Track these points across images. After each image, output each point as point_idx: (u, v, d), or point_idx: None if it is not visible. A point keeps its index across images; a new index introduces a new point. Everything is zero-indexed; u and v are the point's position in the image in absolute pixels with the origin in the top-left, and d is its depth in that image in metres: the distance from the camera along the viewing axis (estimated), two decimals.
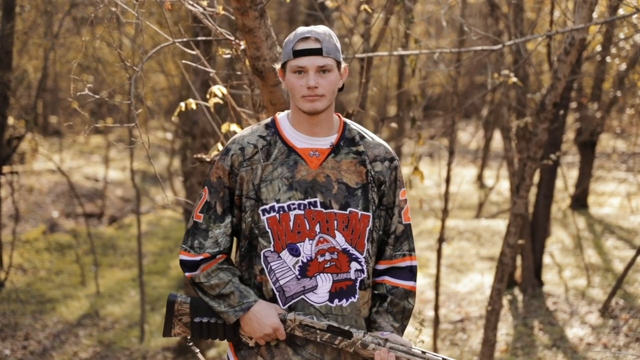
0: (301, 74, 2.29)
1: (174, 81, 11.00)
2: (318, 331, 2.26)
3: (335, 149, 2.37)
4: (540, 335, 7.14)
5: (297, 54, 2.29)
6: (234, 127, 3.68)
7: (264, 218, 2.30)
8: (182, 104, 3.50)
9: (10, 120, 9.58)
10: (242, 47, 3.38)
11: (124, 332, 8.21)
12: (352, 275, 2.34)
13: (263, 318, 2.27)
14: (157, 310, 8.95)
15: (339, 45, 2.35)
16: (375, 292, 2.43)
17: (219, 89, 3.50)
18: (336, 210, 2.31)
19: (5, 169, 9.49)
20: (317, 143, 2.36)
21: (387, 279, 2.42)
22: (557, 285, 8.59)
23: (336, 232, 2.31)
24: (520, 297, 8.29)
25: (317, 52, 2.28)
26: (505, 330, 7.36)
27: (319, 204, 2.30)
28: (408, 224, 2.46)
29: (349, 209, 2.32)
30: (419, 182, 5.66)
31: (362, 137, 2.43)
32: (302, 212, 2.29)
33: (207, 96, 3.54)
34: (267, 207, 2.30)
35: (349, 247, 2.33)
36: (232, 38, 3.41)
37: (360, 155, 2.39)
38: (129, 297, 9.42)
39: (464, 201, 14.69)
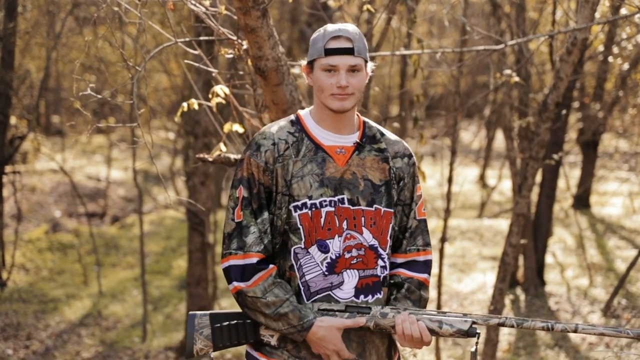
0: (331, 72, 2.30)
1: (177, 81, 11.00)
2: (337, 313, 2.26)
3: (359, 147, 2.38)
4: (543, 334, 7.14)
5: (329, 52, 2.29)
6: (236, 126, 3.68)
7: (295, 215, 2.29)
8: (185, 105, 3.50)
9: (13, 120, 9.59)
10: (245, 46, 3.38)
11: (127, 331, 8.22)
12: (379, 272, 2.35)
13: (324, 340, 2.25)
14: (159, 309, 8.96)
15: (366, 44, 2.37)
16: (392, 281, 2.43)
17: (221, 89, 3.50)
18: (364, 207, 2.32)
19: (8, 168, 9.50)
20: (342, 141, 2.37)
21: (402, 270, 2.43)
22: (560, 284, 8.58)
23: (363, 228, 2.32)
24: (522, 296, 8.29)
25: (349, 51, 2.29)
26: (507, 330, 7.36)
27: (346, 201, 2.31)
28: (423, 219, 2.48)
29: (374, 206, 2.34)
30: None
31: (382, 135, 2.46)
32: (333, 208, 2.29)
33: (210, 96, 3.54)
34: (299, 203, 2.29)
35: (376, 244, 2.34)
36: (235, 38, 3.42)
37: (383, 152, 2.41)
38: (131, 297, 9.43)
39: (466, 201, 14.69)
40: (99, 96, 3.28)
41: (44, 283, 9.62)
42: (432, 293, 8.75)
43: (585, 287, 8.40)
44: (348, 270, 2.31)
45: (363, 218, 2.32)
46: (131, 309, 8.96)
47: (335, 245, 2.30)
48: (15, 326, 8.01)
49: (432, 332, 2.29)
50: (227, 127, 3.67)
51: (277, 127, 2.36)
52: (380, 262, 2.36)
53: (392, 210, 2.38)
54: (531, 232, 8.29)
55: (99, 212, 13.80)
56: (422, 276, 2.44)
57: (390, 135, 2.49)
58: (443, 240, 7.51)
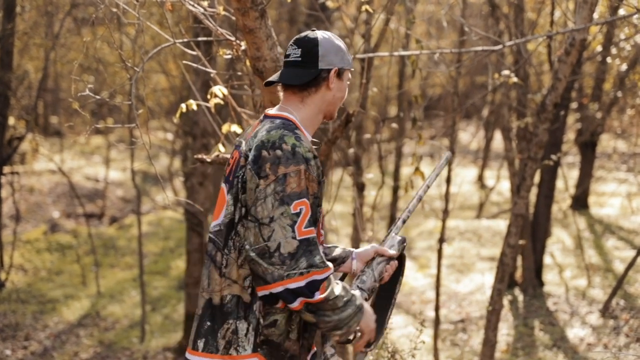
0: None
1: (175, 82, 11.00)
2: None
3: None
4: (541, 335, 7.14)
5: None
6: (234, 127, 3.68)
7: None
8: (184, 105, 3.50)
9: (11, 121, 9.58)
10: (243, 47, 3.38)
11: (125, 332, 8.21)
12: None
13: (369, 315, 2.29)
14: (157, 310, 8.95)
15: None
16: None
17: (219, 90, 3.50)
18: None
19: (6, 169, 9.49)
20: None
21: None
22: (558, 285, 8.59)
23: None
24: (520, 297, 8.29)
25: None
26: (505, 331, 7.36)
27: None
28: None
29: None
30: (420, 182, 5.66)
31: None
32: None
33: (208, 97, 3.55)
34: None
35: None
36: (233, 38, 3.42)
37: None
38: (129, 298, 9.42)
39: (464, 201, 14.69)
40: (98, 97, 3.28)
41: (43, 284, 9.61)
42: (431, 293, 8.75)
43: (583, 287, 8.40)
44: None
45: None
46: (129, 310, 8.96)
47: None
48: (14, 327, 8.00)
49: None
50: (225, 128, 3.68)
51: (304, 139, 2.24)
52: None
53: None
54: (529, 232, 8.30)
55: (98, 212, 13.79)
56: None
57: None
58: (441, 240, 7.51)
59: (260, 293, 2.17)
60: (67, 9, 9.64)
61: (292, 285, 2.09)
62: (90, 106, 13.73)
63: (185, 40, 3.58)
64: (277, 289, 2.11)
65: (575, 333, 7.07)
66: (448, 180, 7.77)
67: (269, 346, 2.23)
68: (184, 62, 3.96)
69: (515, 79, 5.38)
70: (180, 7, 3.48)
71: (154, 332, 8.16)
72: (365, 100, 5.41)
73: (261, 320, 2.21)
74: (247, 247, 2.15)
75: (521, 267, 8.59)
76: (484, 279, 9.11)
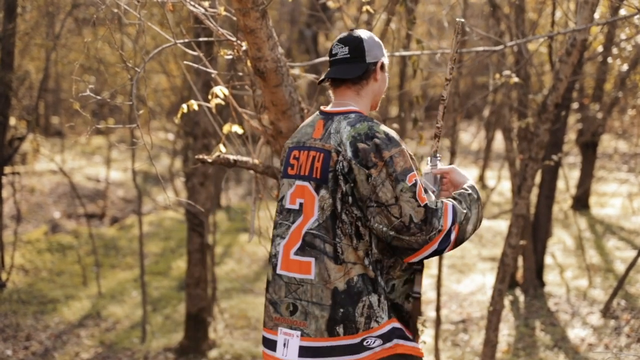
0: None
1: (176, 82, 11.01)
2: None
3: None
4: (542, 335, 7.14)
5: None
6: (235, 128, 3.68)
7: None
8: (185, 106, 3.50)
9: (12, 121, 9.58)
10: (244, 47, 3.38)
11: (126, 332, 8.22)
12: None
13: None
14: (158, 311, 8.95)
15: None
16: None
17: (220, 90, 3.50)
18: None
19: (7, 169, 9.49)
20: None
21: None
22: (559, 285, 8.58)
23: None
24: (521, 297, 8.29)
25: None
26: (506, 331, 7.36)
27: None
28: None
29: None
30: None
31: None
32: None
33: (209, 97, 3.55)
34: None
35: None
36: (234, 39, 3.42)
37: None
38: (130, 298, 9.42)
39: None
40: (99, 97, 3.28)
41: (43, 284, 9.61)
42: (432, 294, 8.74)
43: (584, 288, 8.40)
44: None
45: None
46: (130, 310, 8.96)
47: None
48: (15, 327, 8.00)
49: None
50: (226, 128, 3.68)
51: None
52: None
53: None
54: (530, 233, 8.30)
55: (98, 213, 13.80)
56: None
57: None
58: None
59: (411, 260, 2.43)
60: (68, 10, 9.64)
61: (436, 245, 2.38)
62: (91, 106, 13.74)
63: (186, 40, 3.58)
64: (427, 252, 2.39)
65: (576, 333, 7.07)
66: None
67: (395, 310, 2.48)
68: (185, 62, 3.96)
69: (516, 79, 5.38)
70: (181, 7, 3.48)
71: (155, 333, 8.16)
72: None
73: (386, 289, 2.45)
74: (384, 229, 2.37)
75: (522, 267, 8.59)
76: (485, 279, 9.11)
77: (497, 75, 5.79)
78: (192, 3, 3.33)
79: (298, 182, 2.51)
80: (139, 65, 3.56)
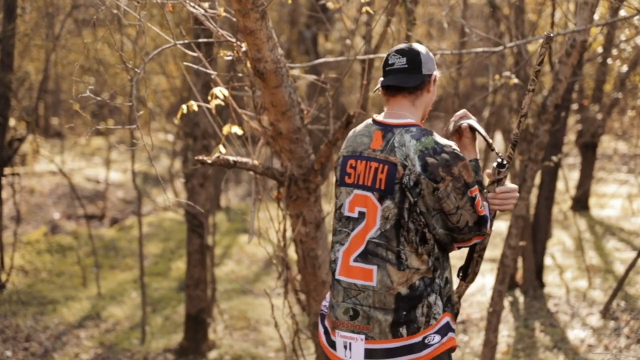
0: None
1: (175, 83, 11.00)
2: None
3: None
4: (542, 336, 7.14)
5: None
6: (235, 128, 3.68)
7: None
8: (184, 107, 3.50)
9: (12, 122, 9.58)
10: (244, 48, 3.38)
11: (125, 333, 8.21)
12: None
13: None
14: (158, 312, 8.95)
15: None
16: None
17: (220, 91, 3.51)
18: None
19: (7, 170, 9.48)
20: None
21: None
22: (558, 286, 8.58)
23: None
24: (521, 298, 8.29)
25: None
26: (506, 332, 7.35)
27: None
28: None
29: None
30: None
31: None
32: None
33: (209, 98, 3.55)
34: None
35: None
36: (234, 40, 3.42)
37: None
38: (130, 299, 9.42)
39: None
40: (98, 98, 3.28)
41: (43, 285, 9.61)
42: None
43: (584, 289, 8.40)
44: None
45: None
46: (130, 311, 8.95)
47: None
48: (14, 328, 8.00)
49: None
50: (226, 129, 3.68)
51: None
52: None
53: None
54: (530, 234, 8.29)
55: (98, 214, 13.79)
56: None
57: None
58: None
59: (457, 246, 2.63)
60: (67, 11, 9.64)
61: (478, 240, 2.63)
62: (91, 107, 13.74)
63: (186, 41, 3.58)
64: (470, 244, 2.63)
65: (576, 334, 7.07)
66: None
67: (448, 302, 2.65)
68: (185, 63, 3.96)
69: (515, 80, 5.38)
70: (181, 8, 3.48)
71: (155, 334, 8.16)
72: (366, 101, 5.40)
73: (441, 284, 2.61)
74: (440, 230, 2.54)
75: (522, 268, 8.59)
76: (485, 280, 9.11)
77: (497, 76, 5.80)
78: (192, 4, 3.33)
79: (357, 191, 2.61)
80: (138, 66, 3.56)
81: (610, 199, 13.45)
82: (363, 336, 2.55)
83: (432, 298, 2.56)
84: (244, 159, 3.67)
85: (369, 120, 2.73)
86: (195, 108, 3.51)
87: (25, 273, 10.04)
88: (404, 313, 2.53)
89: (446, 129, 2.84)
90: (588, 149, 11.99)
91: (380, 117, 2.69)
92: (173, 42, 3.41)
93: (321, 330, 2.81)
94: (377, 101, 13.99)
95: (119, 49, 3.52)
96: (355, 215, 2.61)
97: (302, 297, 4.23)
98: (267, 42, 3.11)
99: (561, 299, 8.14)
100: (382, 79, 2.72)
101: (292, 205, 3.86)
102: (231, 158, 3.55)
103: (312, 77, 4.29)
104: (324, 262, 3.99)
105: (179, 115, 3.60)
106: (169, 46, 3.47)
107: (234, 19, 3.19)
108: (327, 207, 4.48)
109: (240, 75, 4.03)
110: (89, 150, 18.98)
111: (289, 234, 4.23)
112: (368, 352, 2.55)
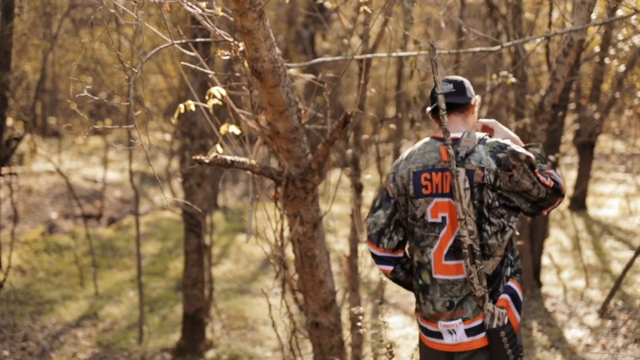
0: None
1: (173, 82, 11.00)
2: None
3: None
4: (539, 336, 7.14)
5: None
6: (232, 128, 3.68)
7: None
8: (182, 106, 3.50)
9: (9, 121, 9.57)
10: (241, 48, 3.38)
11: (123, 333, 8.21)
12: None
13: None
14: (155, 311, 8.95)
15: None
16: None
17: (217, 90, 3.50)
18: None
19: (4, 170, 9.47)
20: None
21: None
22: (556, 286, 8.59)
23: None
24: None
25: None
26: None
27: None
28: None
29: None
30: None
31: None
32: None
33: (206, 97, 3.54)
34: None
35: None
36: (231, 39, 3.41)
37: None
38: (127, 299, 9.42)
39: None
40: (96, 98, 3.28)
41: (40, 284, 9.60)
42: None
43: (581, 288, 8.41)
44: None
45: None
46: (127, 311, 8.95)
47: None
48: (12, 327, 7.99)
49: None
50: (223, 129, 3.67)
51: None
52: None
53: None
54: (527, 233, 8.30)
55: (96, 213, 13.78)
56: None
57: None
58: None
59: (547, 211, 3.03)
60: (65, 10, 9.63)
61: (562, 199, 3.04)
62: (89, 107, 13.72)
63: (184, 41, 3.58)
64: (557, 206, 3.04)
65: (574, 334, 7.08)
66: None
67: (517, 273, 3.06)
68: (182, 63, 3.96)
69: (513, 80, 5.38)
70: (178, 8, 3.48)
71: (152, 333, 8.15)
72: (363, 101, 5.41)
73: (512, 258, 3.03)
74: (526, 206, 2.96)
75: None
76: None
77: (495, 76, 5.80)
78: (189, 3, 3.33)
79: (437, 199, 2.99)
80: (136, 66, 3.55)
81: (608, 199, 13.47)
82: (460, 320, 2.97)
83: (507, 272, 3.00)
84: (242, 159, 3.66)
85: (427, 139, 3.13)
86: (193, 107, 3.50)
87: (22, 272, 10.03)
88: (489, 291, 2.96)
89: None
90: (585, 149, 12.00)
91: (438, 134, 3.09)
92: (170, 41, 3.41)
93: (420, 331, 3.21)
94: (375, 101, 14.00)
95: (117, 48, 3.51)
96: (439, 220, 2.99)
97: (300, 296, 4.23)
98: (265, 41, 3.11)
99: (558, 298, 8.15)
100: (429, 108, 3.14)
101: (289, 204, 3.87)
102: (229, 157, 3.55)
103: (309, 77, 4.29)
104: (321, 262, 3.99)
105: (176, 115, 3.60)
106: (166, 46, 3.47)
107: (232, 19, 3.19)
108: (325, 207, 4.48)
109: (237, 74, 4.03)
110: (87, 149, 18.96)
111: (286, 233, 4.23)
112: (467, 331, 2.96)
